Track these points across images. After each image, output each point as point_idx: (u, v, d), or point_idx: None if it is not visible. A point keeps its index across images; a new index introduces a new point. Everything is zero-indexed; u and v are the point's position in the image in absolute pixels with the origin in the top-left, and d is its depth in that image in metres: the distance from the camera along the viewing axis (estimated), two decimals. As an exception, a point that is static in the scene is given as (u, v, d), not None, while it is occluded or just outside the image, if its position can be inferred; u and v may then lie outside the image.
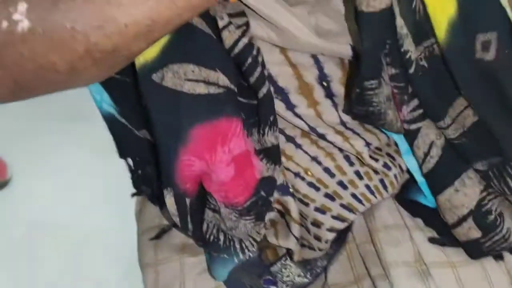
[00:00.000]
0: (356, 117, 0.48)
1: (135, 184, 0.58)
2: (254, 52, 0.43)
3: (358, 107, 0.44)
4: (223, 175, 0.45)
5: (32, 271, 1.39)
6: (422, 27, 0.43)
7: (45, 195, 1.55)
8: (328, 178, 0.49)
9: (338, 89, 0.49)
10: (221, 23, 0.42)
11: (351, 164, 0.49)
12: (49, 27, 0.33)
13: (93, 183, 1.54)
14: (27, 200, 1.55)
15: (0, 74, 0.35)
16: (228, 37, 0.42)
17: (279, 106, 0.48)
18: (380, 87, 0.42)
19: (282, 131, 0.50)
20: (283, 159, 0.49)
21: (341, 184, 0.49)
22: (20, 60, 0.35)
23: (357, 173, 0.49)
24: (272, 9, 0.44)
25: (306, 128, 0.48)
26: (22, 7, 0.33)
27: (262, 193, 0.48)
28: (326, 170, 0.49)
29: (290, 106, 0.48)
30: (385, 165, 0.49)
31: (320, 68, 0.48)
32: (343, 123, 0.49)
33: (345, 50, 0.47)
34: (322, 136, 0.49)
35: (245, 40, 0.42)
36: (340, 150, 0.50)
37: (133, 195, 0.62)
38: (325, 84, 0.48)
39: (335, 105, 0.49)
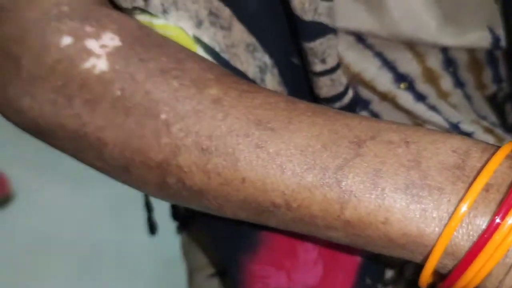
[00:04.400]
0: None
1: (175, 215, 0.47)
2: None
3: None
4: (311, 280, 0.33)
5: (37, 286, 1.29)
6: None
7: (51, 208, 1.45)
8: None
9: (467, 77, 0.37)
10: None
11: None
12: None
13: (101, 193, 1.45)
14: (32, 214, 1.46)
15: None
16: None
17: (403, 97, 0.36)
18: None
19: None
20: None
21: None
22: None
23: None
24: None
25: (444, 124, 0.36)
26: None
27: (368, 280, 0.34)
28: None
29: (419, 97, 0.36)
30: None
31: (443, 50, 0.35)
32: (483, 119, 0.38)
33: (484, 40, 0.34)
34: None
35: None
36: None
37: (178, 231, 0.49)
38: (451, 70, 0.37)
39: (467, 97, 0.37)
